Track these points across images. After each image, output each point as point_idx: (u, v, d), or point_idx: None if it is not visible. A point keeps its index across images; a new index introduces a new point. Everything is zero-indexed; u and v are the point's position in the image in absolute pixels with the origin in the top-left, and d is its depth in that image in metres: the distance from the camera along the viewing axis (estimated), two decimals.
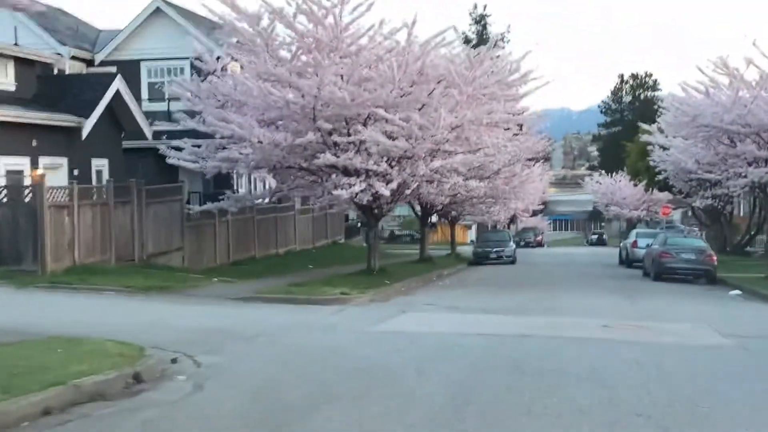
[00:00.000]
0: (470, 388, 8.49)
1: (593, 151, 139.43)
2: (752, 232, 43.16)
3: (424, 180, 22.36)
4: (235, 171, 23.31)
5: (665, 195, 65.46)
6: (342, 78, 21.16)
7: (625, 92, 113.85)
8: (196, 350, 10.65)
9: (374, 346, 11.43)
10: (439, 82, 21.38)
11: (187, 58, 29.15)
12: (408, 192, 21.80)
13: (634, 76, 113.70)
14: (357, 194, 21.38)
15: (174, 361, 9.91)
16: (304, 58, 21.69)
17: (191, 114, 24.17)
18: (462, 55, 22.19)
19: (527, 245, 73.68)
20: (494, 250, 39.26)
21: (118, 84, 24.73)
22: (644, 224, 69.77)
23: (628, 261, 37.28)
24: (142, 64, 34.10)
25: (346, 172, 21.78)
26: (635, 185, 62.06)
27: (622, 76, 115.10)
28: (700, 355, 11.64)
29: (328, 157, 20.48)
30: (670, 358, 11.10)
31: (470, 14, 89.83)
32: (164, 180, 27.83)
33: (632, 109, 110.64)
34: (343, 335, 12.79)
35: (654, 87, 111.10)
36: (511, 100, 23.10)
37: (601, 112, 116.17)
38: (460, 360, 10.32)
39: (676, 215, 69.26)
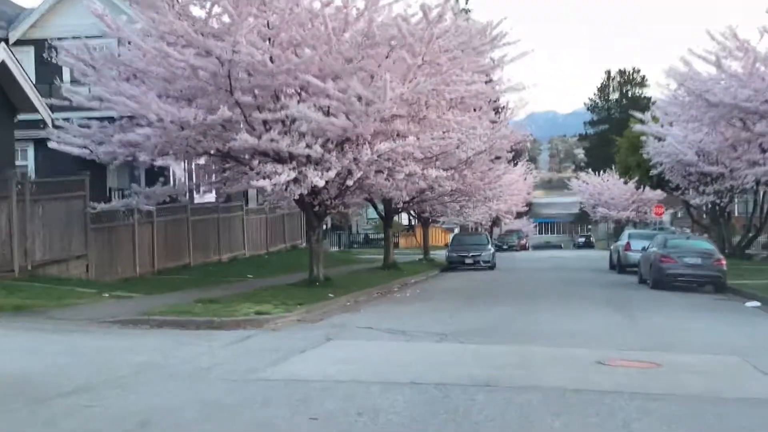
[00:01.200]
0: None
1: (579, 153, 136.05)
2: (751, 234, 39.09)
3: (373, 169, 18.00)
4: (135, 158, 18.66)
5: (656, 194, 61.59)
6: (270, 41, 16.84)
7: (612, 89, 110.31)
8: None
9: (229, 418, 7.07)
10: (392, 49, 17.01)
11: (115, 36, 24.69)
12: (351, 183, 17.43)
13: (622, 72, 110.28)
14: (287, 186, 17.05)
15: None
16: (226, 19, 17.30)
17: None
18: (420, 14, 17.81)
19: (510, 249, 69.78)
20: (470, 254, 34.93)
21: (3, 55, 20.24)
22: (631, 225, 66.22)
23: (620, 266, 33.14)
24: (63, 44, 29.59)
25: (279, 158, 17.47)
26: (625, 183, 58.05)
27: (608, 72, 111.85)
28: (755, 420, 7.34)
29: (245, 138, 16.10)
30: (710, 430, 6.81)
31: (452, 9, 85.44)
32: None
33: (620, 107, 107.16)
34: (204, 390, 8.39)
35: (642, 83, 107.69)
36: (480, 71, 18.77)
37: (588, 109, 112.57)
38: None
39: (665, 216, 65.35)
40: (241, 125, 17.08)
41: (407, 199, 23.69)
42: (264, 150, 16.83)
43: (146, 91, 16.64)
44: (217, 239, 29.94)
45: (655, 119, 35.48)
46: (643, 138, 35.57)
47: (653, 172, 36.07)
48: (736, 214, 45.72)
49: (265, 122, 17.24)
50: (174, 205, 26.47)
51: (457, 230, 67.27)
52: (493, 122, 26.65)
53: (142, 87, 16.92)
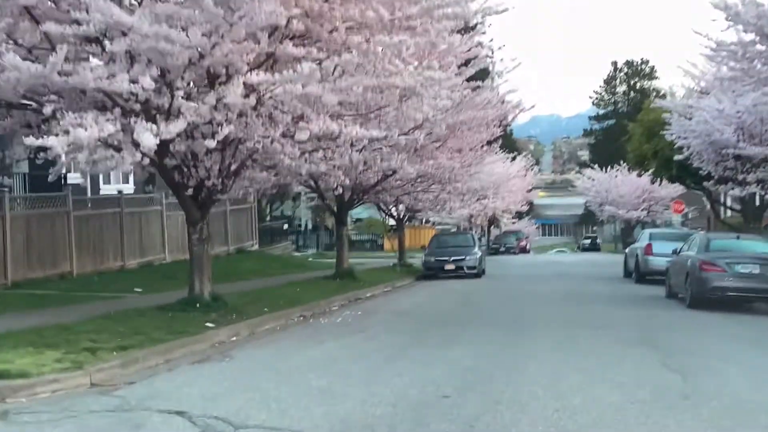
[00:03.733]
0: None
1: (583, 155, 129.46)
2: None
3: (260, 125, 11.13)
4: None
5: (669, 192, 54.54)
6: None
7: (619, 81, 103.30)
8: None
9: None
10: None
11: None
12: (214, 144, 10.59)
13: (629, 64, 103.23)
14: (116, 151, 10.27)
15: None
16: None
17: None
18: None
19: (508, 251, 62.83)
20: (451, 259, 28.03)
21: None
22: (640, 226, 59.80)
23: (639, 273, 26.30)
24: None
25: (104, 105, 10.66)
26: (639, 175, 51.13)
27: (615, 63, 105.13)
28: None
29: (15, 64, 9.29)
30: None
31: None
32: None
33: (627, 100, 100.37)
34: None
35: (651, 75, 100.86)
36: None
37: (593, 103, 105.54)
38: None
39: (675, 216, 58.41)
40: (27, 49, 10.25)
41: (346, 182, 16.83)
42: (49, 85, 9.99)
43: None
44: (120, 240, 23.10)
45: (671, 96, 28.62)
46: (666, 115, 28.70)
47: (677, 156, 29.13)
48: None
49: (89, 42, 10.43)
50: (46, 194, 19.78)
51: (454, 231, 60.55)
52: (475, 87, 19.90)
53: None
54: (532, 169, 67.84)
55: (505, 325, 13.89)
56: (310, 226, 63.90)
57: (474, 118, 20.42)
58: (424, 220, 59.31)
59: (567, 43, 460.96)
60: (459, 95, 16.06)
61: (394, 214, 32.60)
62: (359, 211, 62.87)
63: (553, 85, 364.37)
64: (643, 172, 47.06)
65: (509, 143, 73.89)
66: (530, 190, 66.34)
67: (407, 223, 60.87)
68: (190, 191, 12.83)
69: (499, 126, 23.26)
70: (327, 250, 54.60)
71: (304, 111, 11.28)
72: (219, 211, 30.24)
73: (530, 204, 77.51)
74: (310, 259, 39.62)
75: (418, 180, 22.44)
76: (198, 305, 13.55)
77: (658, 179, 44.05)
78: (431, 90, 13.63)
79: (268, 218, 52.36)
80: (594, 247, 77.30)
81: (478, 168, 25.03)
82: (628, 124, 50.15)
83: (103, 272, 21.75)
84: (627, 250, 30.06)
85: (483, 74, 19.67)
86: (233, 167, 12.92)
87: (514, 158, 61.46)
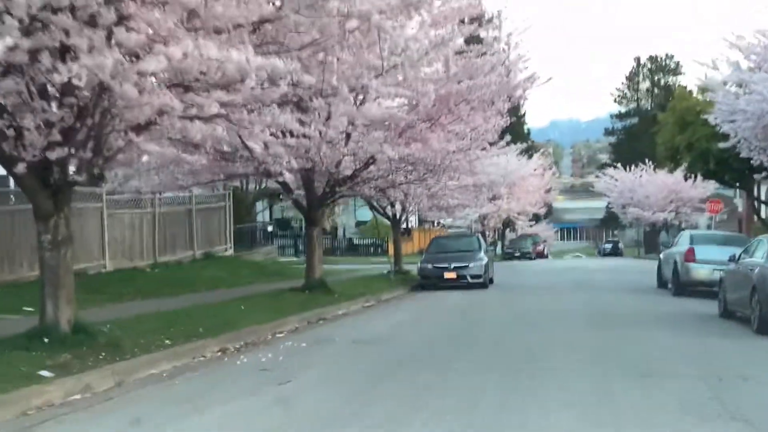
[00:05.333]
0: None
1: (603, 158, 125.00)
2: None
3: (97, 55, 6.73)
4: None
5: (698, 192, 49.71)
6: None
7: (642, 77, 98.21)
8: None
9: None
10: None
11: None
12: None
13: (653, 59, 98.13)
14: None
15: None
16: None
17: None
18: None
19: (524, 256, 58.26)
20: (452, 266, 23.48)
21: None
22: (665, 230, 55.30)
23: (677, 284, 21.68)
24: None
25: None
26: (671, 171, 46.23)
27: (638, 59, 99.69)
28: None
29: None
30: None
31: None
32: None
33: (651, 97, 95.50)
34: None
35: (676, 71, 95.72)
36: None
37: (615, 100, 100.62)
38: None
39: (702, 218, 53.60)
40: None
41: (293, 164, 12.33)
42: None
43: None
44: (26, 245, 18.74)
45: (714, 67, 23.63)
46: (709, 95, 24.06)
47: (722, 144, 24.48)
48: None
49: None
50: None
51: (456, 233, 55.83)
52: (481, 54, 15.58)
53: None
54: (550, 168, 63.30)
55: (505, 369, 9.35)
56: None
57: (473, 89, 15.92)
58: (435, 222, 55.05)
59: (585, 47, 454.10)
60: (444, 34, 11.48)
61: (389, 213, 28.14)
62: (363, 213, 58.56)
63: (571, 90, 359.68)
64: (673, 168, 42.26)
65: (522, 136, 69.59)
66: (548, 191, 61.86)
67: (418, 227, 56.58)
68: (21, 168, 8.41)
69: (509, 101, 18.73)
70: (325, 254, 50.31)
71: (174, 32, 6.82)
72: (182, 209, 25.94)
73: (548, 207, 72.99)
74: (305, 265, 35.22)
75: (404, 168, 17.97)
76: (47, 340, 9.15)
77: (692, 176, 39.22)
78: (400, 28, 9.16)
79: (262, 218, 48.07)
80: (616, 252, 72.69)
81: (482, 154, 20.37)
82: (656, 114, 45.47)
83: (13, 283, 17.42)
84: (662, 256, 25.36)
85: (479, 39, 15.28)
86: (93, 133, 8.50)
87: (530, 155, 57.03)
